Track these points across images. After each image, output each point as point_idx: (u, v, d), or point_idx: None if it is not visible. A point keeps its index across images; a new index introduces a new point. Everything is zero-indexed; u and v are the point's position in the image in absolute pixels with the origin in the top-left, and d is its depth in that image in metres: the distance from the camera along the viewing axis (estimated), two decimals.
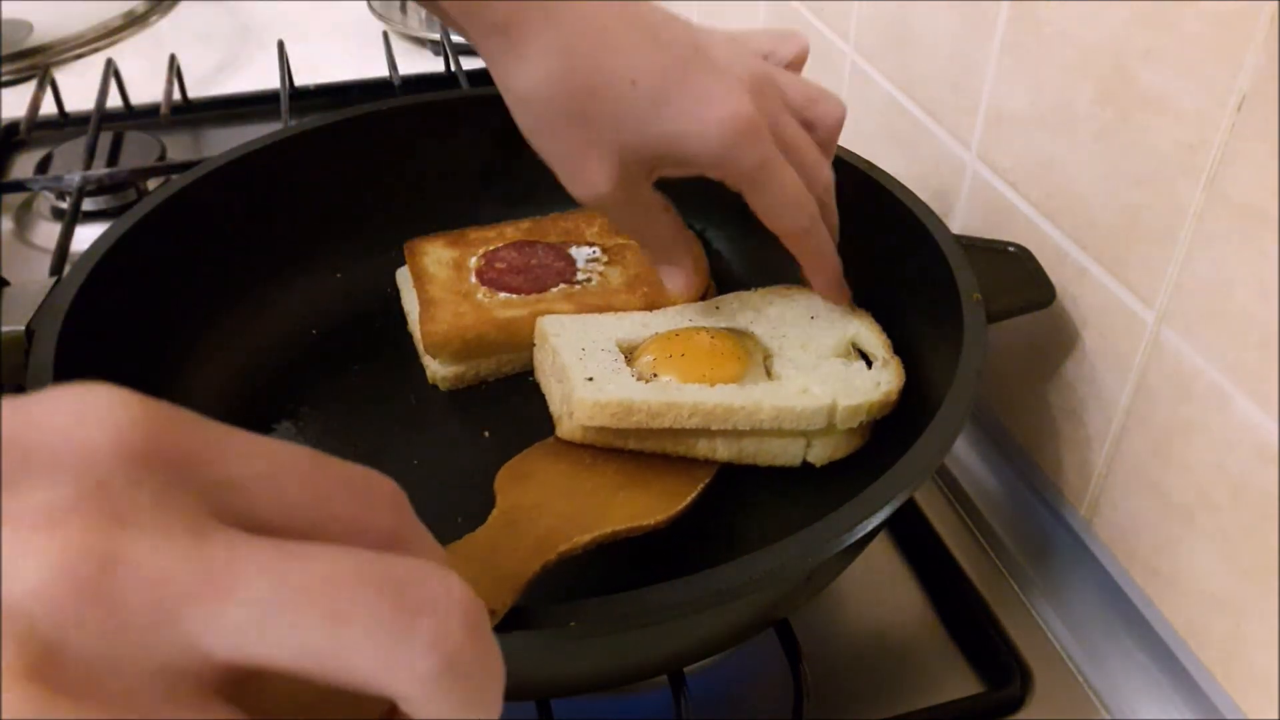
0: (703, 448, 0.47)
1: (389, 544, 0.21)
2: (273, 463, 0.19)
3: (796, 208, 0.46)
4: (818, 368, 0.49)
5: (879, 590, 0.53)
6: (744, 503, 0.49)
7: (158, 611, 0.16)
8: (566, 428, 0.47)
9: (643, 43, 0.43)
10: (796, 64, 0.52)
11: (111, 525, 0.16)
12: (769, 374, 0.49)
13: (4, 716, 0.15)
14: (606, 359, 0.49)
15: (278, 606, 0.17)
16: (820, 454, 0.48)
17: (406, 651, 0.18)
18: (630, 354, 0.50)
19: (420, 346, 0.57)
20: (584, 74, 0.42)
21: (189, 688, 0.17)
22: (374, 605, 0.18)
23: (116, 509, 0.17)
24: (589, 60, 0.42)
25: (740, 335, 0.52)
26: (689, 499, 0.44)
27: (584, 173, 0.45)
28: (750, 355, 0.50)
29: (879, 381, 0.48)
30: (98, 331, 0.48)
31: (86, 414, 0.18)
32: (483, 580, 0.33)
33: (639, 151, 0.44)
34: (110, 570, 0.16)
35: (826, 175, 0.48)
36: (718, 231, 0.66)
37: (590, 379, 0.47)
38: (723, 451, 0.47)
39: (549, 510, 0.41)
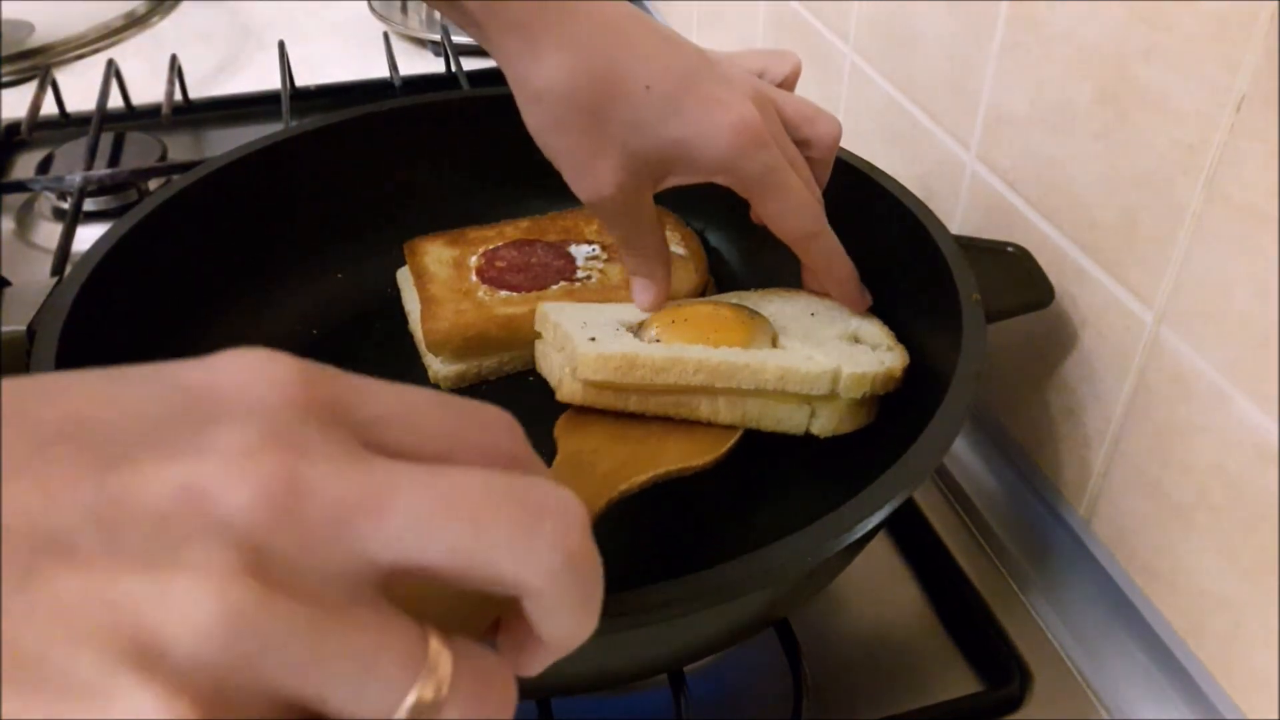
0: (705, 409, 0.46)
1: (509, 465, 0.24)
2: (406, 402, 0.23)
3: (805, 211, 0.47)
4: (822, 344, 0.49)
5: (879, 590, 0.54)
6: (743, 503, 0.49)
7: (335, 525, 0.20)
8: (567, 388, 0.47)
9: (658, 47, 0.44)
10: (789, 82, 0.52)
11: (293, 457, 0.20)
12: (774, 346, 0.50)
13: (232, 605, 0.18)
14: (609, 328, 0.49)
15: (429, 516, 0.21)
16: (825, 425, 0.48)
17: (536, 548, 0.21)
18: (634, 329, 0.50)
19: (422, 346, 0.57)
20: (601, 73, 0.43)
21: (361, 588, 0.20)
22: (507, 511, 0.21)
23: (294, 443, 0.20)
24: (606, 60, 0.43)
25: (747, 311, 0.52)
26: (732, 442, 0.46)
27: (592, 172, 0.45)
28: (756, 325, 0.50)
29: (883, 359, 0.48)
30: (99, 332, 0.48)
31: (255, 372, 0.22)
32: None
33: (648, 155, 0.45)
34: (297, 492, 0.20)
35: (818, 194, 0.49)
36: (718, 232, 0.66)
37: (593, 339, 0.47)
38: (725, 414, 0.46)
39: (607, 454, 0.44)
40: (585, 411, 0.47)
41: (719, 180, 0.46)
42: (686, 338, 0.48)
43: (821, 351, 0.48)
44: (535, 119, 0.45)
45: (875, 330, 0.51)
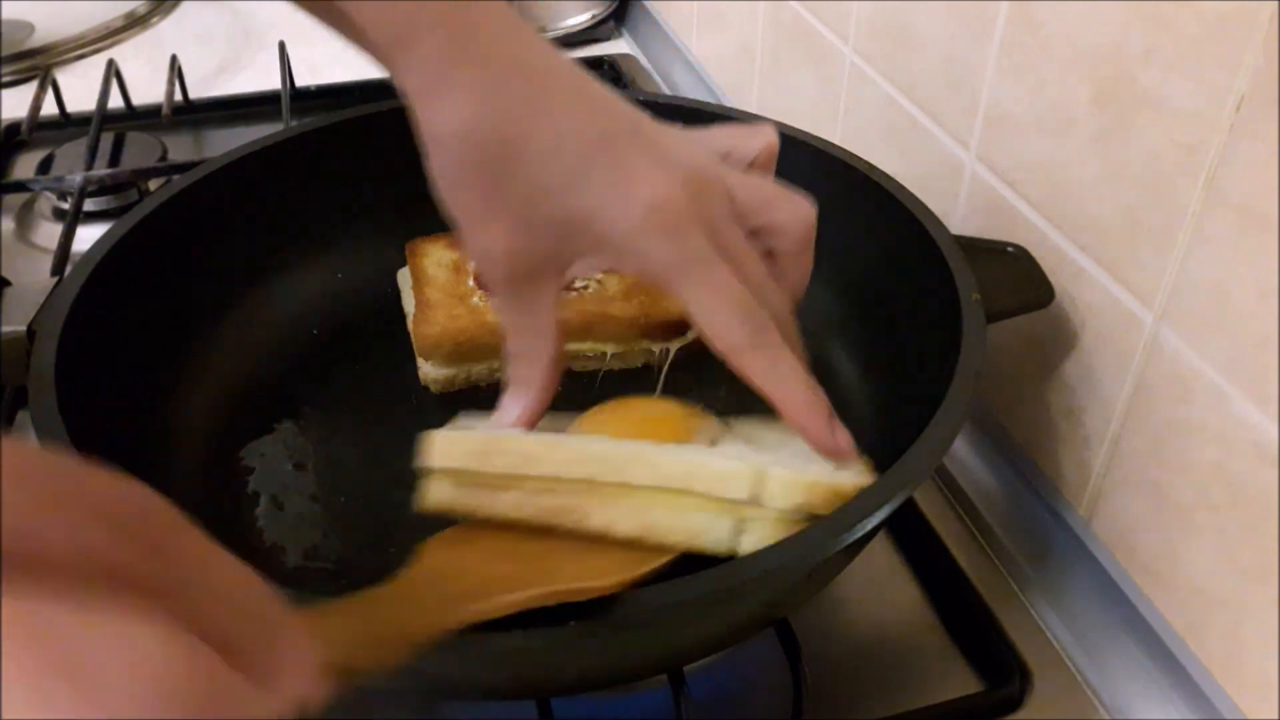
0: (598, 518, 0.36)
1: None
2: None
3: (734, 318, 0.39)
4: (772, 452, 0.41)
5: (879, 590, 0.53)
6: None
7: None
8: (433, 490, 0.39)
9: (576, 108, 0.40)
10: (762, 161, 0.44)
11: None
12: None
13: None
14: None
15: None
16: (751, 544, 0.37)
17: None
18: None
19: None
20: (508, 126, 0.39)
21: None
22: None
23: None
24: (516, 113, 0.39)
25: (695, 409, 0.46)
26: (659, 563, 0.36)
27: (484, 235, 0.40)
28: (696, 423, 0.43)
29: (834, 472, 0.39)
30: (99, 332, 0.48)
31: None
32: (360, 638, 0.28)
33: (546, 226, 0.39)
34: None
35: (780, 299, 0.41)
36: None
37: (463, 427, 0.40)
38: (624, 524, 0.36)
39: (476, 571, 0.35)
40: (475, 529, 0.38)
41: (625, 269, 0.40)
42: (607, 433, 0.41)
43: (758, 451, 0.40)
44: (435, 166, 0.40)
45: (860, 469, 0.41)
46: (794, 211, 0.42)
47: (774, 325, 0.40)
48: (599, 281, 0.59)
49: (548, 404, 0.43)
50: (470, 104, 0.38)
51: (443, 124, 0.39)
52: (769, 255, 0.42)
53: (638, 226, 0.38)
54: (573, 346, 0.56)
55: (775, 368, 0.39)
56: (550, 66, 0.40)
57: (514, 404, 0.43)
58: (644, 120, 0.41)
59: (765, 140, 0.44)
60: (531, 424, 0.42)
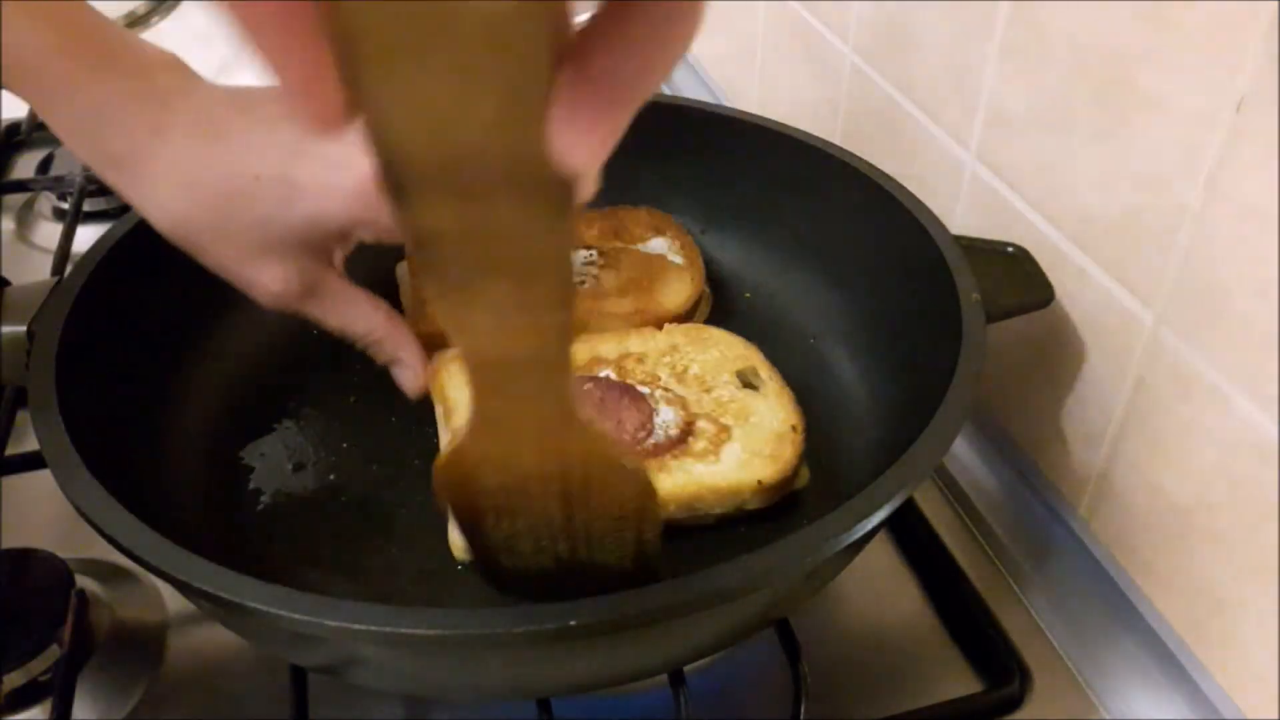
0: None
1: None
2: None
3: None
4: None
5: (879, 590, 0.53)
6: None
7: None
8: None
9: (253, 130, 0.43)
10: None
11: None
12: None
13: None
14: None
15: None
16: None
17: None
18: None
19: None
20: (208, 185, 0.42)
21: None
22: None
23: None
24: (208, 169, 0.42)
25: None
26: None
27: (251, 281, 0.44)
28: None
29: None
30: (99, 332, 0.48)
31: None
32: None
33: (290, 242, 0.43)
34: None
35: None
36: (718, 233, 0.66)
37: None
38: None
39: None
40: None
41: (385, 236, 0.44)
42: None
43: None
44: (178, 242, 0.44)
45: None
46: None
47: None
48: (596, 278, 0.59)
49: (421, 353, 0.49)
50: (170, 185, 0.42)
51: (159, 214, 0.43)
52: None
53: (357, 198, 0.42)
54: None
55: None
56: (217, 110, 0.43)
57: (403, 378, 0.49)
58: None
59: None
60: (422, 388, 0.49)
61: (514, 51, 0.20)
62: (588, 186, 0.24)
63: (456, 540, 0.46)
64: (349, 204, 0.42)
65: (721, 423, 0.49)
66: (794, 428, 0.48)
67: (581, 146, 0.21)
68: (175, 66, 0.44)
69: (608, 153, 0.22)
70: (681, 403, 0.50)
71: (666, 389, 0.51)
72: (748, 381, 0.52)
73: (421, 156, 0.22)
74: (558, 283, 0.27)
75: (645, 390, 0.51)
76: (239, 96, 0.44)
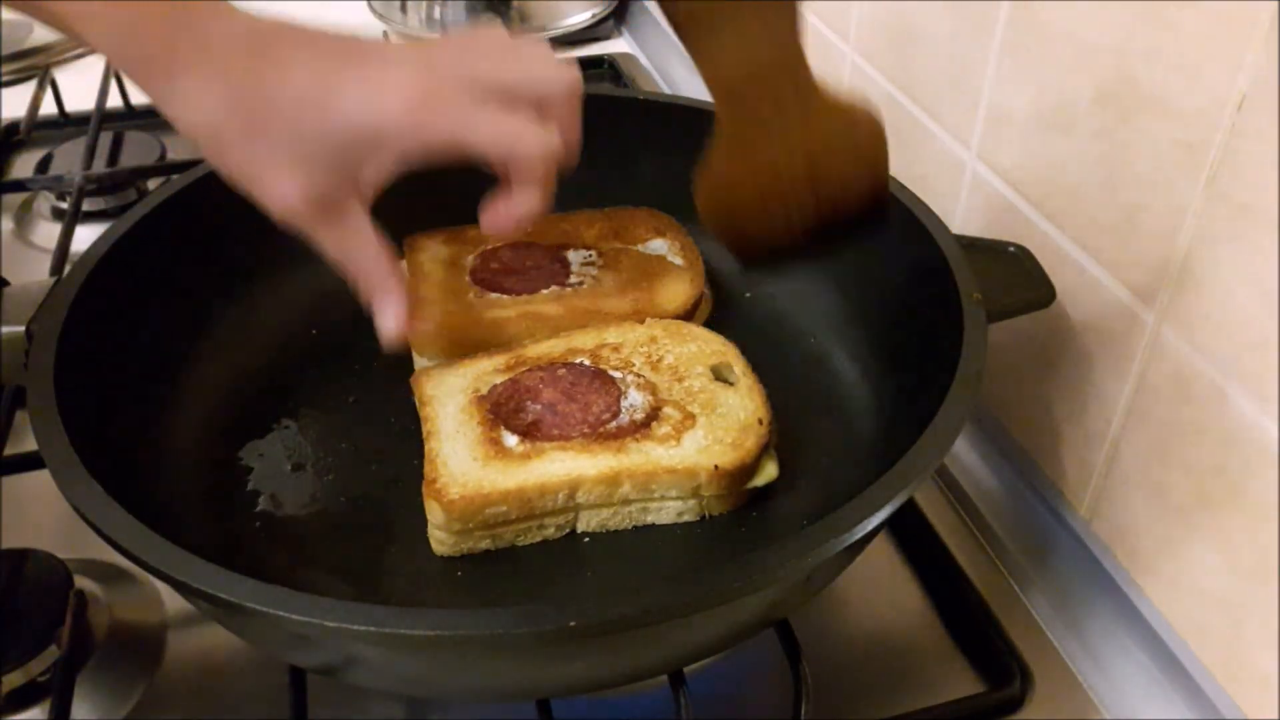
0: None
1: None
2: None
3: (522, 135, 0.44)
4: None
5: (879, 590, 0.53)
6: (743, 504, 0.49)
7: None
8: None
9: (300, 50, 0.43)
10: (558, 106, 0.46)
11: None
12: None
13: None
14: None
15: None
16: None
17: None
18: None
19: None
20: (249, 93, 0.42)
21: None
22: None
23: None
24: (250, 79, 0.42)
25: None
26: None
27: (272, 186, 0.43)
28: None
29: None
30: (98, 331, 0.48)
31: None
32: None
33: (326, 155, 0.43)
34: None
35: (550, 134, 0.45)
36: None
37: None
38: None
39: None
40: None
41: (421, 156, 0.43)
42: None
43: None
44: (204, 150, 0.43)
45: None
46: (557, 78, 0.45)
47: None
48: (595, 278, 0.59)
49: (405, 299, 0.48)
50: (210, 91, 0.42)
51: (193, 118, 0.42)
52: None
53: (402, 111, 0.42)
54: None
55: (550, 171, 0.45)
56: (262, 27, 0.43)
57: (384, 315, 0.48)
58: (364, 42, 0.45)
59: (561, 85, 0.46)
60: (405, 324, 0.48)
61: None
62: None
63: (438, 536, 0.47)
64: (391, 121, 0.43)
65: (688, 410, 0.49)
66: (761, 420, 0.48)
67: None
68: None
69: None
70: (651, 388, 0.50)
71: (639, 375, 0.51)
72: (721, 376, 0.51)
73: None
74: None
75: (617, 375, 0.51)
76: (280, 19, 0.44)
